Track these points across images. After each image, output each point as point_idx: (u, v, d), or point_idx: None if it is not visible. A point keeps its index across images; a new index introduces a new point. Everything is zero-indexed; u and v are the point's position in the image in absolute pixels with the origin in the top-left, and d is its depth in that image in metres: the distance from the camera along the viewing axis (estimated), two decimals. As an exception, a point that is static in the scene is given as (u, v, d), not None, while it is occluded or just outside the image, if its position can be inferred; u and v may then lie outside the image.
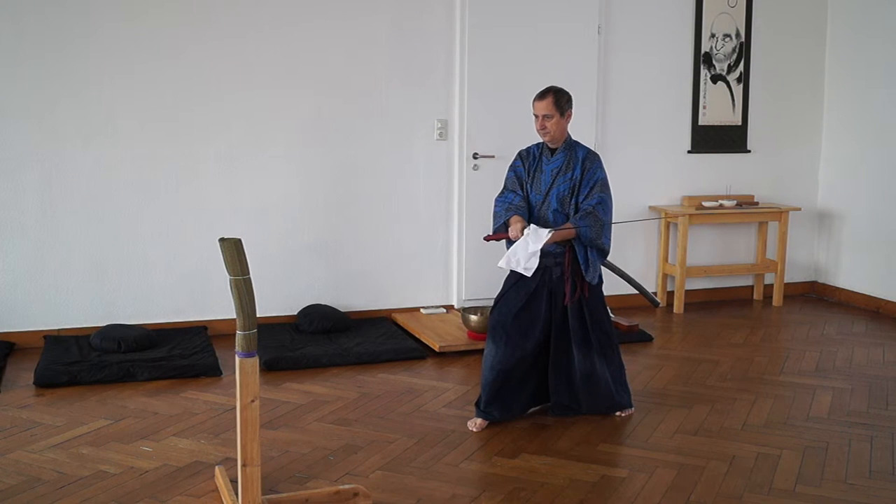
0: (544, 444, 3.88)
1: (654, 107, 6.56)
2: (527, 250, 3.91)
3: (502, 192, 4.24)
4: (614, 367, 4.23)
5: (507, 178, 4.27)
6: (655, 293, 6.67)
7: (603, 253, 4.12)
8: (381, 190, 5.93)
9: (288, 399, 4.43)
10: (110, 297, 5.43)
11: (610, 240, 4.12)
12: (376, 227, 5.95)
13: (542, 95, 4.11)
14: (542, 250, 3.95)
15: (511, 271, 4.09)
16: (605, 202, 4.08)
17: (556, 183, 4.12)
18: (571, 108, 4.14)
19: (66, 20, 5.17)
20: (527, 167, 4.22)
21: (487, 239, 4.21)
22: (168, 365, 4.78)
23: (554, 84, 4.21)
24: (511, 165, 4.28)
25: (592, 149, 4.31)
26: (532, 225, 3.99)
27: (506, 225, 4.13)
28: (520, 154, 4.28)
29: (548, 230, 3.93)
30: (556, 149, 4.17)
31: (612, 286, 4.66)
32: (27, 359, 5.00)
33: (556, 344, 4.15)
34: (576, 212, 4.09)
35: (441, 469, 3.60)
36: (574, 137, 4.24)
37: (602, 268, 4.20)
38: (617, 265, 4.46)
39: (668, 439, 3.97)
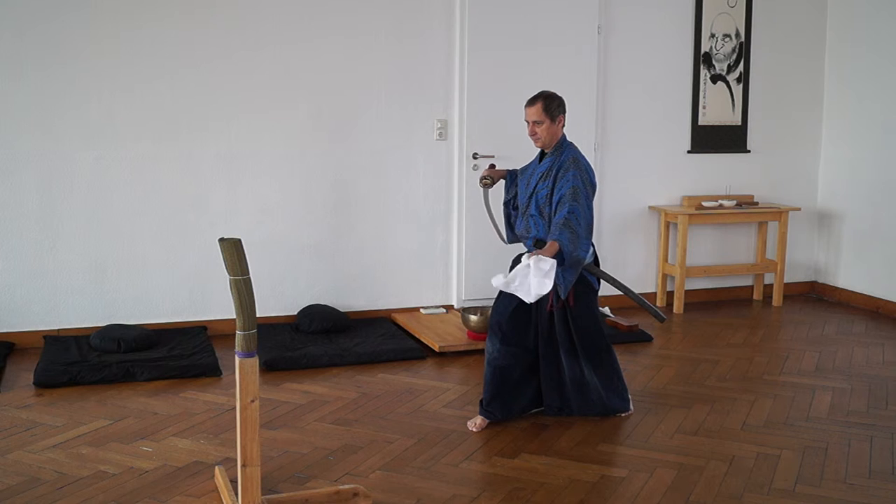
0: (544, 444, 3.88)
1: (653, 107, 6.56)
2: (527, 278, 3.72)
3: None
4: (604, 375, 4.18)
5: None
6: (654, 294, 6.68)
7: (578, 262, 3.96)
8: (380, 190, 5.93)
9: (288, 399, 4.43)
10: (110, 298, 5.43)
11: (587, 250, 3.99)
12: (376, 227, 5.95)
13: (532, 101, 4.07)
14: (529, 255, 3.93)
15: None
16: (576, 212, 3.90)
17: (537, 189, 4.09)
18: (563, 113, 4.09)
19: (67, 22, 5.17)
20: (526, 169, 4.23)
21: (492, 165, 4.48)
22: (168, 365, 4.79)
23: (552, 86, 4.20)
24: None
25: (584, 153, 4.22)
26: (533, 257, 3.76)
27: (508, 173, 4.37)
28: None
29: (550, 262, 3.72)
30: (547, 153, 4.15)
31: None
32: (27, 359, 5.00)
33: (543, 349, 4.13)
34: (551, 222, 4.03)
35: (441, 469, 3.61)
36: (574, 137, 4.21)
37: (597, 276, 4.17)
38: (619, 280, 4.28)
39: (668, 439, 3.97)
